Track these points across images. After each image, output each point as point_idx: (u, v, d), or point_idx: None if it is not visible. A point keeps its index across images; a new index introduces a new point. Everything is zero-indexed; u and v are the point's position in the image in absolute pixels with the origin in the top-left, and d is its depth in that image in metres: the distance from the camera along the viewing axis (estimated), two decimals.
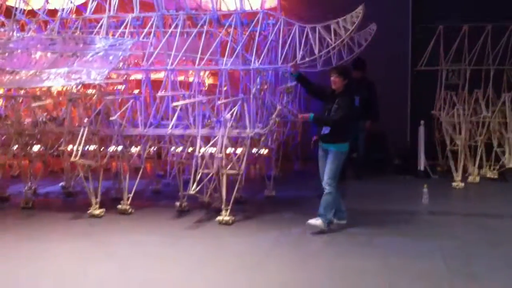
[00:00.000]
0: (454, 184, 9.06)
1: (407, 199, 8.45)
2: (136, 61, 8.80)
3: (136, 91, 8.79)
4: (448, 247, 6.23)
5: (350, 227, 6.97)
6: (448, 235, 6.69)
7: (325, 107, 6.95)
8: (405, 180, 9.66)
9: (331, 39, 8.63)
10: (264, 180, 8.64)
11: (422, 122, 9.69)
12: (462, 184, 9.04)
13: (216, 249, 6.27)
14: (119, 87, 8.82)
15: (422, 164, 9.67)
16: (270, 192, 8.57)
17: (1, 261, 5.84)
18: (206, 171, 7.13)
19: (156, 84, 8.33)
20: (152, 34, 8.09)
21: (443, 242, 6.40)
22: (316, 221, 6.71)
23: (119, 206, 7.49)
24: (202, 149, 7.14)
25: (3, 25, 8.88)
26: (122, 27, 8.26)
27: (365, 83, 9.61)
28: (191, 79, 8.44)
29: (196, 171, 7.11)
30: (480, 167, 9.63)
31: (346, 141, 6.88)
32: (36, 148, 8.33)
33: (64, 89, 8.84)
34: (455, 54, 10.02)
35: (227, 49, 7.97)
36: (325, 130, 6.82)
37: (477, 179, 9.41)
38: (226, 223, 6.99)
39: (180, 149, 7.79)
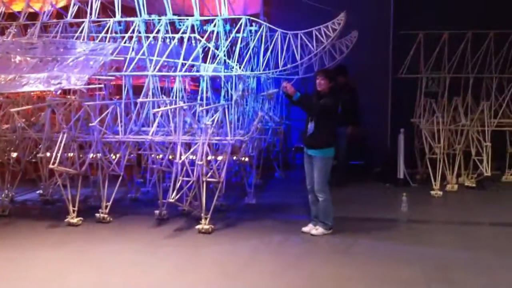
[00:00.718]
0: (432, 192, 9.13)
1: (387, 207, 8.51)
2: (117, 66, 8.73)
3: (116, 97, 8.71)
4: (427, 254, 6.30)
5: (330, 234, 7.00)
6: (427, 243, 6.76)
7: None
8: (386, 188, 9.71)
9: (313, 46, 8.68)
10: (245, 188, 8.63)
11: (401, 130, 9.75)
12: (441, 193, 9.12)
13: (196, 257, 6.25)
14: (100, 92, 8.73)
15: (401, 172, 9.73)
16: (250, 200, 8.56)
17: None
18: (186, 178, 7.10)
19: (137, 90, 8.27)
20: (134, 39, 8.04)
21: (422, 250, 6.48)
22: (316, 231, 6.94)
23: (97, 215, 7.41)
24: (183, 156, 7.10)
25: None
26: (104, 31, 8.20)
27: (347, 88, 9.65)
28: (172, 85, 8.39)
29: (176, 178, 7.07)
30: (459, 175, 9.72)
31: (331, 146, 6.97)
32: (14, 154, 8.20)
33: (44, 94, 8.72)
34: (435, 61, 10.10)
35: (209, 55, 7.96)
36: (310, 130, 6.89)
37: (456, 187, 9.49)
38: (206, 232, 6.96)
39: (160, 156, 7.75)
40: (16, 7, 9.12)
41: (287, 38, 8.64)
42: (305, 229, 7.12)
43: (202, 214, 7.04)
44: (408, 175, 9.82)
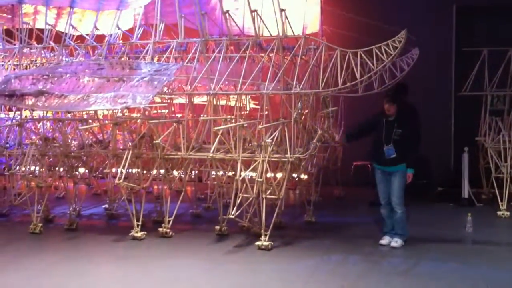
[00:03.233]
0: (499, 213, 8.82)
1: (451, 227, 8.28)
2: (179, 85, 8.97)
3: (179, 115, 8.93)
4: (493, 277, 6.09)
5: (393, 254, 6.88)
6: (493, 265, 6.52)
7: (380, 133, 7.22)
8: (449, 208, 9.45)
9: (373, 64, 8.60)
10: (304, 205, 8.62)
11: (466, 148, 9.50)
12: (508, 213, 8.79)
13: (255, 274, 6.26)
14: (163, 111, 8.99)
15: (466, 191, 9.46)
16: (309, 218, 8.54)
17: (45, 278, 6.00)
18: (246, 195, 7.17)
19: (199, 108, 8.46)
20: (195, 59, 8.24)
21: (488, 272, 6.25)
22: (396, 243, 7.17)
23: (160, 229, 7.58)
24: (243, 173, 7.18)
25: (52, 50, 9.23)
26: (167, 52, 8.45)
27: (407, 107, 9.49)
28: (232, 103, 8.53)
29: (236, 195, 7.15)
30: None
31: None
32: (81, 170, 8.53)
33: (110, 112, 9.06)
34: (500, 78, 9.83)
35: (269, 73, 8.05)
36: (390, 154, 7.12)
37: None
38: (265, 248, 6.98)
39: (220, 172, 7.86)
40: (84, 30, 9.55)
41: (347, 56, 8.62)
42: (383, 242, 7.24)
43: (262, 231, 7.08)
44: (473, 195, 9.53)
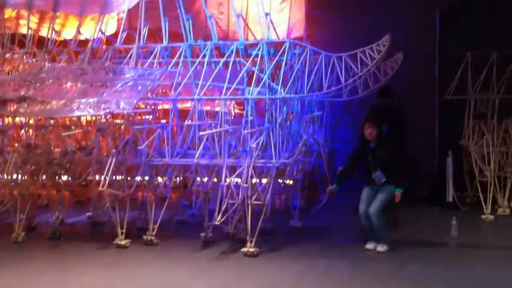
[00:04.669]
0: (483, 216, 8.88)
1: (436, 231, 8.32)
2: (164, 90, 8.90)
3: (163, 121, 8.86)
4: (479, 281, 6.11)
5: (379, 258, 6.89)
6: (479, 269, 6.56)
7: (366, 160, 7.32)
8: (434, 212, 9.49)
9: (357, 68, 8.62)
10: (290, 211, 8.59)
11: (450, 152, 9.56)
12: (492, 217, 8.85)
13: (242, 281, 6.22)
14: (147, 116, 8.91)
15: (450, 195, 9.51)
16: (296, 223, 8.51)
17: None
18: (231, 201, 7.13)
19: (183, 114, 8.41)
20: (180, 64, 8.19)
21: (473, 276, 6.29)
22: (382, 247, 7.17)
23: (145, 237, 7.51)
24: (228, 179, 7.14)
25: (35, 55, 9.11)
26: (151, 57, 8.39)
27: (391, 110, 9.54)
28: (217, 109, 8.49)
29: (221, 201, 7.11)
30: (511, 199, 9.41)
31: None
32: (64, 177, 8.42)
33: (93, 118, 8.97)
34: (483, 82, 9.90)
35: (254, 78, 8.02)
36: (379, 179, 7.17)
37: (508, 211, 9.21)
38: (252, 255, 6.95)
39: (205, 179, 7.81)
40: (67, 35, 9.46)
41: (331, 61, 8.62)
42: (368, 246, 7.28)
43: (248, 237, 7.04)
44: (457, 198, 9.58)
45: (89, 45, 8.74)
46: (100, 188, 7.28)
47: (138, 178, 7.75)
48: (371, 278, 6.27)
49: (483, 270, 6.54)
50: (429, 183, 10.44)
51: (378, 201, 7.13)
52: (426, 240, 7.83)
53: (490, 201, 9.01)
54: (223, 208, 7.06)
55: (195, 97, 7.84)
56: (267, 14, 8.24)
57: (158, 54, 8.35)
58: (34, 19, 9.44)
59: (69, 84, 7.89)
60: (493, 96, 9.81)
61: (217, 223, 6.97)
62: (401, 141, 9.79)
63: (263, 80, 7.91)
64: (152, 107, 8.57)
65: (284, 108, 7.94)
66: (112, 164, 7.32)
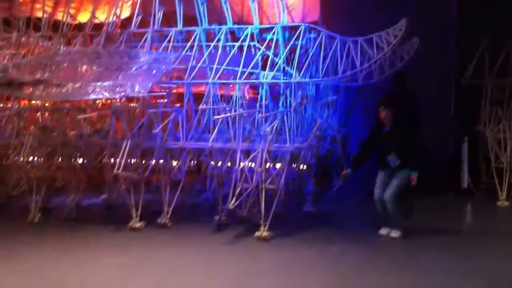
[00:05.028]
0: (498, 203, 8.82)
1: (450, 217, 8.31)
2: (178, 74, 8.89)
3: (178, 104, 8.87)
4: (493, 267, 6.08)
5: (392, 244, 6.88)
6: (493, 256, 6.51)
7: (381, 144, 7.28)
8: (449, 197, 9.43)
9: (373, 53, 8.53)
10: (303, 195, 8.59)
11: (466, 138, 9.48)
12: (507, 203, 8.79)
13: (254, 264, 6.26)
14: (162, 100, 8.91)
15: (465, 181, 9.44)
16: (308, 208, 8.52)
17: (45, 268, 5.98)
18: (245, 185, 7.14)
19: (198, 98, 8.41)
20: (195, 48, 8.17)
21: (488, 262, 6.26)
22: (395, 233, 7.16)
23: (159, 220, 7.56)
24: (242, 163, 7.15)
25: (50, 38, 9.14)
26: (166, 41, 8.37)
27: (407, 96, 9.45)
28: (232, 93, 8.47)
29: (235, 185, 7.12)
30: None
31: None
32: (80, 160, 8.48)
33: (108, 102, 9.00)
34: (501, 68, 9.77)
35: (268, 62, 7.99)
36: (394, 162, 7.12)
37: None
38: (265, 239, 6.98)
39: (220, 163, 7.82)
40: (82, 18, 9.47)
41: (347, 45, 8.54)
42: (382, 232, 7.27)
43: (261, 221, 7.06)
44: (472, 184, 9.52)
45: (104, 29, 8.75)
46: (115, 171, 7.33)
47: (153, 162, 7.77)
48: (386, 265, 6.26)
49: (498, 257, 6.50)
50: (444, 168, 10.35)
51: (393, 186, 7.10)
52: (440, 226, 7.81)
53: (506, 187, 8.93)
54: (237, 192, 7.08)
55: (210, 81, 7.83)
56: None
57: (172, 38, 8.34)
58: (49, 3, 9.45)
59: (84, 67, 7.90)
60: (510, 81, 9.67)
61: (230, 207, 7.00)
62: (415, 125, 9.74)
63: (277, 64, 7.87)
64: (167, 91, 8.57)
65: (299, 93, 7.89)
66: (127, 147, 7.36)
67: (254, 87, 9.29)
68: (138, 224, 7.45)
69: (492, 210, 8.70)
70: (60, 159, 8.27)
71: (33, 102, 8.95)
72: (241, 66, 7.80)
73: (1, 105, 9.10)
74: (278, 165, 7.51)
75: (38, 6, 9.44)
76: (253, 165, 7.26)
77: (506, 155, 9.04)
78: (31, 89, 7.73)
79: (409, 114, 9.07)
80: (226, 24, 8.25)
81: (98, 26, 9.08)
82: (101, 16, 9.21)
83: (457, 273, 5.94)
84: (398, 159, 7.12)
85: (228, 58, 7.87)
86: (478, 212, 8.08)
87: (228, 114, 7.51)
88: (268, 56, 8.06)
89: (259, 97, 8.15)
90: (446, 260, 6.35)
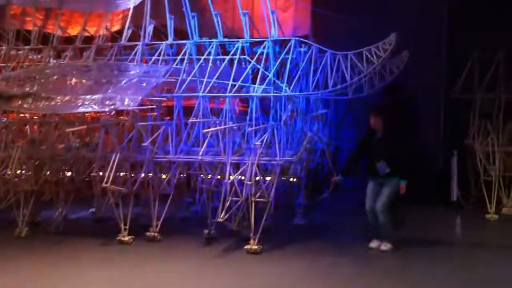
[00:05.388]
0: (488, 215, 8.83)
1: (439, 229, 8.30)
2: (168, 87, 8.88)
3: (167, 118, 8.85)
4: (483, 279, 6.08)
5: (382, 256, 6.87)
6: (483, 267, 6.54)
7: (371, 150, 7.25)
8: (438, 210, 9.44)
9: (363, 66, 8.58)
10: (293, 208, 8.57)
11: (455, 152, 9.52)
12: (496, 216, 8.80)
13: (244, 278, 6.22)
14: (151, 113, 8.90)
15: (454, 194, 9.47)
16: (299, 220, 8.50)
17: (31, 282, 5.91)
18: (235, 198, 7.12)
19: (188, 111, 8.40)
20: (185, 61, 8.18)
21: (478, 274, 6.26)
22: (385, 246, 7.13)
23: (148, 233, 7.51)
24: (232, 176, 7.13)
25: (40, 51, 9.12)
26: (156, 54, 8.38)
27: (396, 107, 9.49)
28: (222, 106, 8.47)
29: (225, 198, 7.10)
30: None
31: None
32: (68, 173, 8.42)
33: (98, 115, 8.96)
34: (490, 81, 9.85)
35: (259, 76, 8.01)
36: (384, 169, 7.11)
37: None
38: (255, 252, 6.94)
39: (209, 176, 7.79)
40: (73, 31, 9.46)
41: (337, 59, 8.58)
42: (372, 245, 7.24)
43: (251, 234, 7.03)
44: (461, 197, 9.54)
45: (94, 42, 8.74)
46: (103, 185, 7.29)
47: (142, 175, 7.73)
48: (376, 276, 6.26)
49: (488, 268, 6.50)
50: (433, 181, 10.38)
51: (384, 196, 7.11)
52: (430, 238, 7.80)
53: (495, 200, 8.96)
54: (227, 205, 7.05)
55: (200, 94, 7.83)
56: (273, 12, 8.21)
57: (163, 51, 8.35)
58: (40, 16, 9.45)
59: (74, 80, 7.88)
60: (499, 95, 9.75)
61: (220, 220, 6.96)
62: (406, 134, 9.74)
63: (268, 78, 7.89)
64: (157, 104, 8.55)
65: (289, 106, 7.91)
66: (116, 161, 7.33)
67: (244, 101, 9.32)
68: (127, 238, 7.40)
69: (482, 223, 8.72)
70: (48, 172, 8.19)
71: (22, 114, 8.91)
72: (231, 80, 7.81)
73: None
74: (268, 178, 7.50)
75: (28, 18, 9.44)
76: (243, 178, 7.24)
77: (494, 168, 9.08)
78: (20, 101, 7.69)
79: (400, 123, 9.12)
80: (216, 37, 8.28)
81: (89, 39, 9.08)
82: (92, 29, 9.22)
83: (446, 283, 5.94)
84: (387, 166, 7.12)
85: (219, 72, 7.88)
86: (468, 224, 8.10)
87: (218, 128, 7.50)
88: (258, 70, 8.08)
89: (249, 110, 8.16)
90: (439, 271, 6.36)
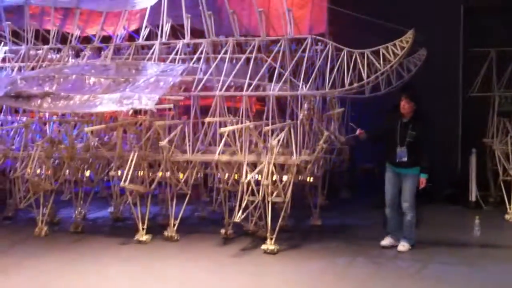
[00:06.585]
0: (507, 216, 8.74)
1: (458, 230, 8.23)
2: (185, 86, 8.91)
3: (184, 117, 8.88)
4: (501, 281, 6.04)
5: (399, 257, 6.84)
6: (501, 269, 6.48)
7: (394, 134, 7.09)
8: (457, 211, 9.37)
9: (380, 64, 8.52)
10: (310, 208, 8.56)
11: (473, 150, 9.42)
12: None
13: (261, 278, 6.23)
14: (169, 112, 8.93)
15: (473, 194, 9.38)
16: (315, 221, 8.49)
17: (50, 281, 5.99)
18: (251, 198, 7.12)
19: (205, 110, 8.42)
20: (202, 60, 8.20)
21: (496, 276, 6.22)
22: (403, 247, 7.06)
23: (165, 233, 7.55)
24: (248, 176, 7.14)
25: (59, 51, 9.21)
26: (173, 53, 8.41)
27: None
28: (239, 105, 8.48)
29: (241, 198, 7.11)
30: None
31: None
32: (87, 173, 8.49)
33: (116, 114, 9.02)
34: (508, 79, 9.75)
35: (275, 74, 8.00)
36: (402, 156, 6.99)
37: None
38: (271, 252, 6.94)
39: (226, 175, 7.81)
40: (91, 31, 9.54)
41: (354, 57, 8.54)
42: (384, 243, 7.19)
43: (268, 234, 7.03)
44: (480, 198, 9.45)
45: (112, 41, 8.80)
46: (122, 184, 7.34)
47: (159, 174, 7.77)
48: (392, 277, 6.22)
49: (506, 270, 6.45)
50: (452, 181, 10.30)
51: (407, 193, 7.03)
52: (448, 239, 7.74)
53: None
54: (243, 205, 7.06)
55: (217, 93, 7.85)
56: (289, 10, 8.20)
57: (180, 50, 8.38)
58: (59, 16, 9.54)
59: (92, 79, 7.93)
60: None
61: (237, 220, 6.98)
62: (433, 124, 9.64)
63: (284, 76, 7.88)
64: (174, 103, 8.59)
65: (305, 105, 7.89)
66: (134, 160, 7.37)
67: (261, 99, 9.32)
68: (144, 237, 7.44)
69: (500, 224, 8.63)
70: (67, 172, 8.27)
71: (41, 114, 9.01)
72: (247, 78, 7.81)
73: (10, 117, 9.15)
74: (284, 178, 7.49)
75: (47, 18, 9.54)
76: (259, 177, 7.24)
77: None
78: (39, 101, 7.76)
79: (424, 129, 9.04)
80: (233, 36, 8.29)
81: (107, 39, 9.14)
82: (110, 28, 9.29)
83: (464, 285, 5.91)
84: (406, 155, 6.99)
85: (235, 70, 7.89)
86: (486, 225, 7.98)
87: (235, 127, 7.51)
88: (274, 68, 8.08)
89: (265, 109, 8.16)
90: (454, 271, 6.32)
